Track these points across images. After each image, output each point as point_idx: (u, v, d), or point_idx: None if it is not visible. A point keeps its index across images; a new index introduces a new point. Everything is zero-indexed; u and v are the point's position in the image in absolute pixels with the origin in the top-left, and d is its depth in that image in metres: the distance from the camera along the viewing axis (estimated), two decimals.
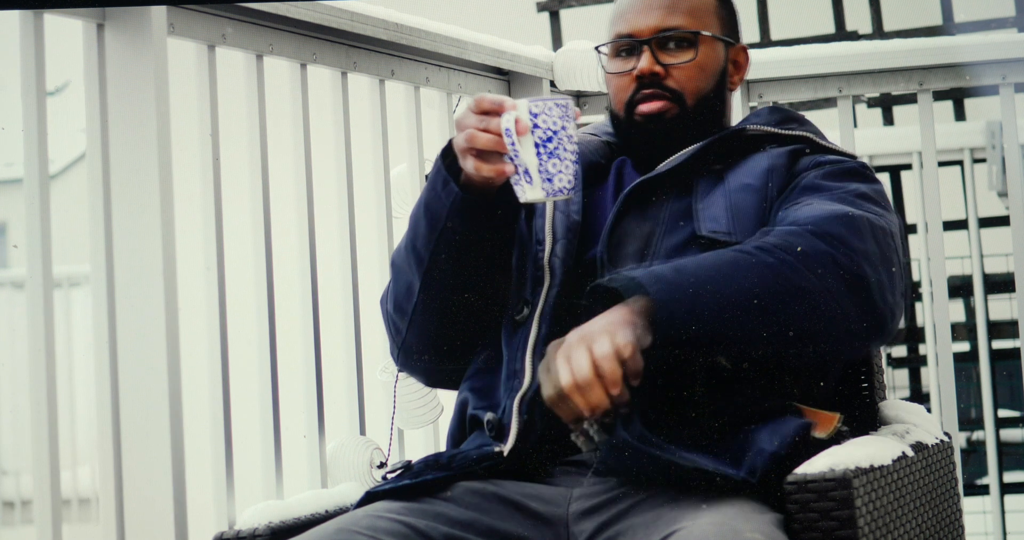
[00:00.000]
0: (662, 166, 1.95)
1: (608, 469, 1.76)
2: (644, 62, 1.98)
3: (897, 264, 1.83)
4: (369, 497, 1.85)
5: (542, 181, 1.78)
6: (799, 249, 1.76)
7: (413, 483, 1.82)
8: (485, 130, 1.80)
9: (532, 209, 1.95)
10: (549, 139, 1.78)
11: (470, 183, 1.86)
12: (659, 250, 1.88)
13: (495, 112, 1.80)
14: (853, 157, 1.97)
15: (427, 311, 1.94)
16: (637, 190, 1.93)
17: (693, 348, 1.72)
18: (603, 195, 1.99)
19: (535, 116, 1.78)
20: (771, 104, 2.05)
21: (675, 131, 1.97)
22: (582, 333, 1.70)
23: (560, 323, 1.86)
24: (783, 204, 1.89)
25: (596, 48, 2.04)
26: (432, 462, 1.87)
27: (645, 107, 1.98)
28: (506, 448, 1.84)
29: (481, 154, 1.81)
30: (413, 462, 1.92)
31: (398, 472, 1.91)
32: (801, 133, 1.98)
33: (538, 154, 1.78)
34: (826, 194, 1.87)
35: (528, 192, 1.79)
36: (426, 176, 2.70)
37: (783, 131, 1.99)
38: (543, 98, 1.80)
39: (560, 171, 1.78)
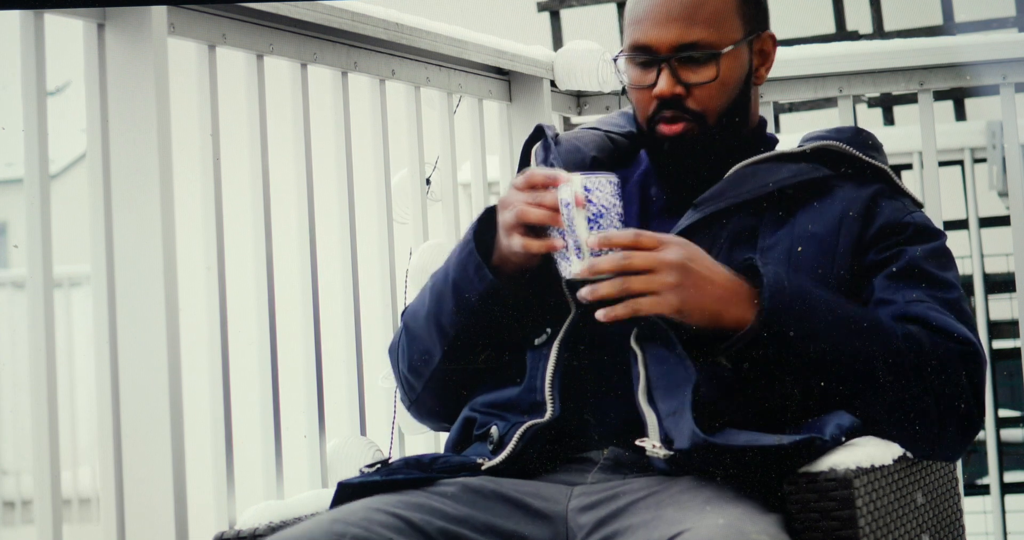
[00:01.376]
0: (728, 192, 1.91)
1: (677, 468, 1.76)
2: (664, 84, 1.90)
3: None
4: (341, 488, 1.84)
5: (591, 257, 1.76)
6: (935, 358, 1.80)
7: (383, 480, 1.82)
8: (538, 204, 1.79)
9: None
10: (601, 215, 1.77)
11: (503, 264, 1.85)
12: None
13: (547, 186, 1.79)
14: (920, 204, 1.96)
15: (448, 375, 1.94)
16: (699, 219, 1.90)
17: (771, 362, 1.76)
18: (627, 208, 1.97)
19: (589, 191, 1.77)
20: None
21: (697, 150, 1.93)
22: (685, 265, 1.75)
23: (575, 348, 1.87)
24: (881, 267, 1.88)
25: (613, 59, 1.96)
26: (413, 462, 1.87)
27: (666, 128, 1.92)
28: (487, 464, 1.85)
29: (530, 230, 1.80)
30: (392, 461, 1.91)
31: (375, 467, 1.90)
32: (879, 165, 1.94)
33: (590, 228, 1.76)
34: (937, 291, 1.86)
35: (576, 266, 1.77)
36: (427, 179, 2.70)
37: (864, 157, 1.94)
38: (595, 174, 1.78)
39: (608, 248, 1.77)
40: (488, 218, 1.88)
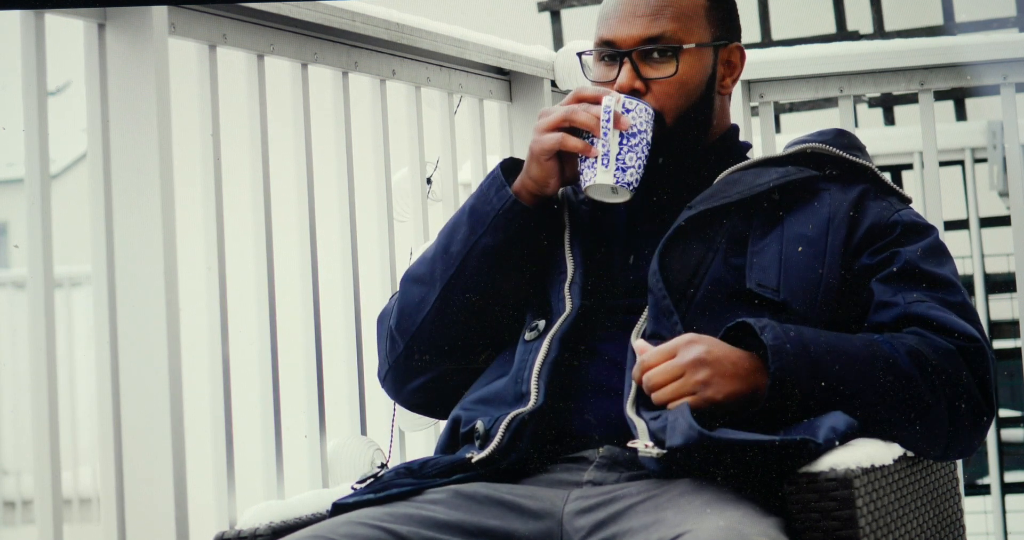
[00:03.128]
0: (720, 194, 1.92)
1: (668, 469, 1.76)
2: (624, 77, 1.94)
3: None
4: (336, 509, 1.85)
5: (616, 169, 1.89)
6: (942, 370, 1.83)
7: (376, 498, 1.82)
8: (586, 111, 1.89)
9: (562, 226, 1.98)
10: (633, 135, 1.89)
11: (522, 191, 1.93)
12: (703, 283, 1.88)
13: (595, 100, 1.89)
14: (908, 199, 1.97)
15: (436, 322, 1.96)
16: (692, 219, 1.92)
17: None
18: (614, 215, 1.98)
19: (627, 111, 1.89)
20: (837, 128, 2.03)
21: (656, 147, 1.94)
22: (704, 359, 1.77)
23: (569, 347, 1.89)
24: (877, 270, 1.88)
25: (579, 54, 2.02)
26: (403, 471, 1.88)
27: None
28: (477, 456, 1.85)
29: (570, 133, 1.90)
30: (382, 473, 1.91)
31: (367, 482, 1.90)
32: (863, 163, 1.95)
33: (620, 143, 1.89)
34: (937, 290, 1.88)
35: (600, 175, 1.89)
36: (428, 179, 2.70)
37: (848, 156, 1.94)
38: (637, 99, 1.91)
39: (633, 166, 1.89)
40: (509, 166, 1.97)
